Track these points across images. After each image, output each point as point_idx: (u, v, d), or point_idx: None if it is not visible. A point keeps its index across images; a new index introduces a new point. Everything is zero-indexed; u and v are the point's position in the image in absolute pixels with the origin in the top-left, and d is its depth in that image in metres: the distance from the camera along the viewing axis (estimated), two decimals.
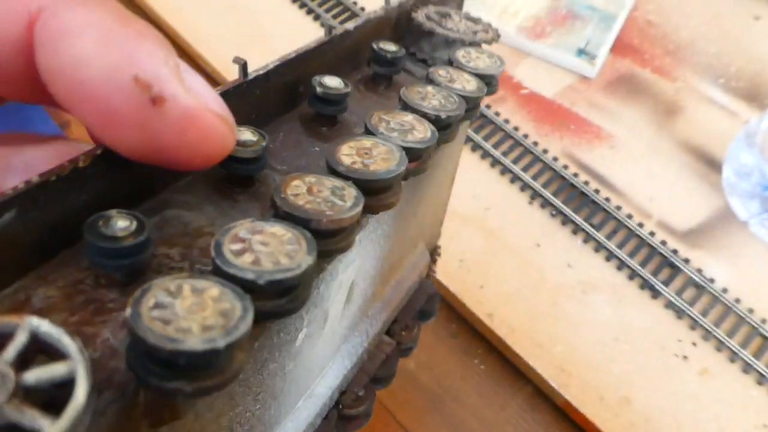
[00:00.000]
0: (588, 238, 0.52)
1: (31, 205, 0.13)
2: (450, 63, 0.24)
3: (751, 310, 0.49)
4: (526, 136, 0.57)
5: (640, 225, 0.53)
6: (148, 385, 0.12)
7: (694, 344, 0.48)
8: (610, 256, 0.51)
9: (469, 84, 0.23)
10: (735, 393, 0.46)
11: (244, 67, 0.18)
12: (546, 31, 0.63)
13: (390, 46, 0.24)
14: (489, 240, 0.52)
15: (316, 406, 0.23)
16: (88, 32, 0.13)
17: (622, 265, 0.51)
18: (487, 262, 0.51)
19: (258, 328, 0.14)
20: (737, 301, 0.50)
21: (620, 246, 0.52)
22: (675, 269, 0.51)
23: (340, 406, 0.25)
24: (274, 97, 0.20)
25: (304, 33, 0.63)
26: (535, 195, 0.54)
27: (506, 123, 0.57)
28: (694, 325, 0.49)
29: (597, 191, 0.54)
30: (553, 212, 0.53)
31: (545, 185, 0.54)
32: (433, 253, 0.31)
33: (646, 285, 0.50)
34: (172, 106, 0.13)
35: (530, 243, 0.52)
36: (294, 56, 0.20)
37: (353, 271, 0.21)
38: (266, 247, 0.14)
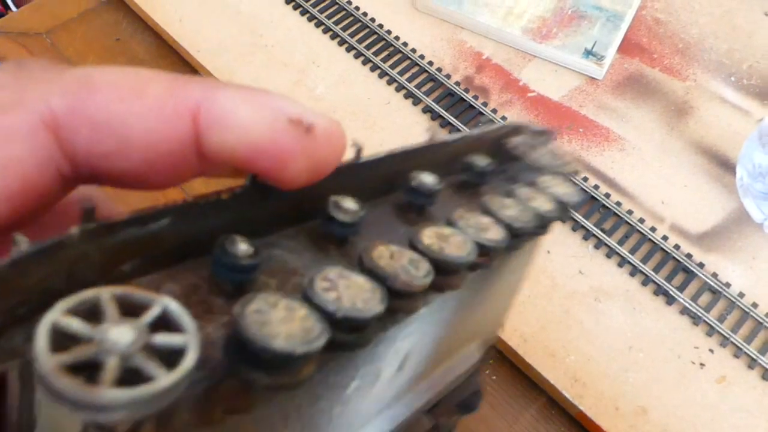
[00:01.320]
0: (599, 243, 0.51)
1: (181, 216, 0.17)
2: (533, 184, 0.26)
3: None
4: None
5: (653, 229, 0.51)
6: (235, 369, 0.15)
7: (711, 351, 0.47)
8: (622, 261, 0.50)
9: (545, 205, 0.25)
10: (754, 400, 0.45)
11: (359, 151, 0.21)
12: (552, 33, 0.62)
13: (482, 160, 0.26)
14: None
15: None
16: (242, 107, 0.16)
17: (635, 271, 0.50)
18: None
19: (325, 356, 0.16)
20: (754, 305, 0.48)
21: (632, 251, 0.50)
22: (689, 274, 0.50)
23: None
24: (375, 181, 0.23)
25: (306, 40, 0.62)
26: None
27: None
28: (711, 331, 0.47)
29: (608, 195, 0.53)
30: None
31: None
32: (488, 353, 0.35)
33: (660, 291, 0.49)
34: (318, 128, 0.17)
35: (540, 250, 0.51)
36: (400, 152, 0.23)
37: (410, 343, 0.24)
38: (348, 290, 0.17)
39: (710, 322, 0.48)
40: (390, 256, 0.19)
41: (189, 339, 0.14)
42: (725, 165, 0.56)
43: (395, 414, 0.28)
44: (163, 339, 0.14)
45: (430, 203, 0.24)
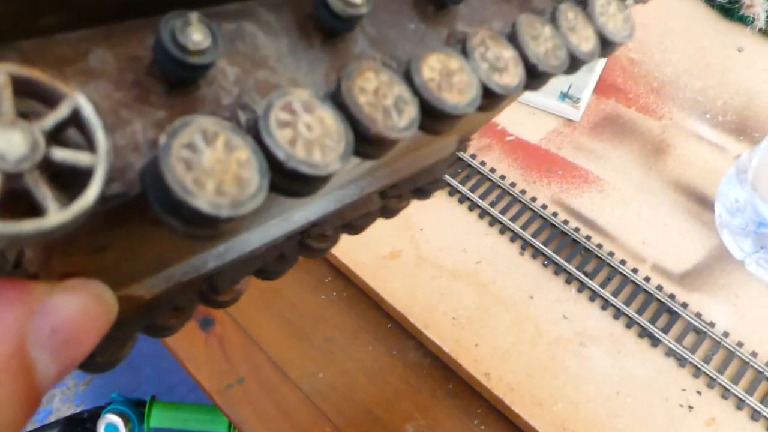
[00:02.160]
0: (582, 287, 0.51)
1: None
2: (585, 6, 0.22)
3: (754, 354, 0.48)
4: (513, 184, 0.56)
5: (635, 270, 0.52)
6: (149, 206, 0.12)
7: (699, 393, 0.47)
8: (606, 304, 0.50)
9: (585, 43, 0.21)
10: None
11: None
12: None
13: None
14: (481, 295, 0.51)
15: (287, 228, 0.24)
16: None
17: (618, 314, 0.50)
18: (481, 318, 0.50)
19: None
20: (739, 344, 0.48)
21: (615, 294, 0.50)
22: (673, 315, 0.50)
23: (306, 235, 0.25)
24: None
25: None
26: (525, 245, 0.53)
27: (492, 172, 0.57)
28: (698, 372, 0.47)
29: (588, 237, 0.53)
30: (546, 262, 0.52)
31: (535, 234, 0.53)
32: (464, 140, 0.31)
33: (644, 333, 0.49)
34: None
35: (524, 295, 0.51)
36: None
37: None
38: (309, 131, 0.14)
39: (696, 363, 0.47)
40: (375, 90, 0.16)
41: (97, 162, 0.12)
42: (704, 202, 0.56)
43: (345, 195, 0.25)
44: (64, 156, 0.11)
45: (457, 1, 0.20)
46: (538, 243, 0.53)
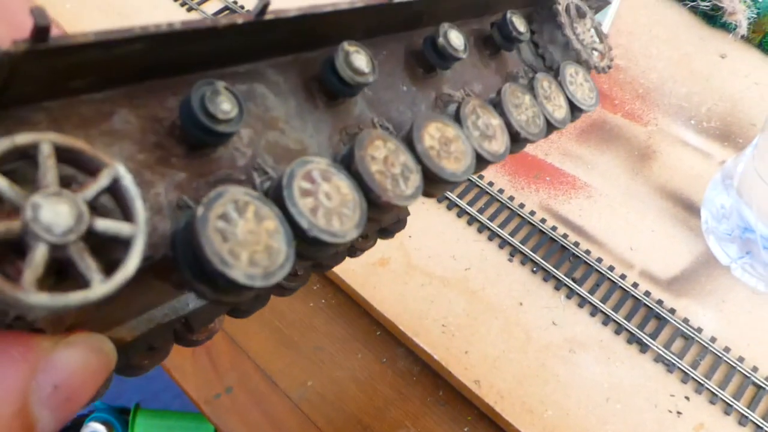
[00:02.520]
0: (571, 293, 0.51)
1: (161, 43, 0.14)
2: (556, 75, 0.25)
3: (741, 359, 0.48)
4: (501, 191, 0.56)
5: (623, 277, 0.52)
6: (181, 272, 0.13)
7: (687, 398, 0.47)
8: (594, 311, 0.50)
9: (559, 111, 0.24)
10: None
11: None
12: None
13: (520, 26, 0.24)
14: (471, 302, 0.51)
15: None
16: None
17: (607, 320, 0.50)
18: (471, 326, 0.49)
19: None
20: (726, 350, 0.49)
21: (604, 300, 0.51)
22: (661, 321, 0.50)
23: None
24: (399, 15, 0.20)
25: None
26: (514, 252, 0.53)
27: (480, 179, 0.57)
28: (686, 378, 0.48)
29: (577, 244, 0.53)
30: (534, 269, 0.52)
31: (524, 241, 0.54)
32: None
33: (633, 339, 0.49)
34: None
35: (513, 302, 0.51)
36: None
37: None
38: (328, 200, 0.15)
39: (684, 369, 0.48)
40: (384, 158, 0.17)
41: (137, 232, 0.12)
42: (690, 208, 0.56)
43: None
44: (106, 226, 0.12)
45: (445, 67, 0.22)
46: (526, 249, 0.53)
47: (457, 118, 0.20)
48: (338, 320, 0.53)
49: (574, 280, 0.52)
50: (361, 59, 0.18)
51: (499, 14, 0.25)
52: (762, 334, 0.49)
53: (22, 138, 0.11)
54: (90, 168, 0.12)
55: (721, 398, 0.46)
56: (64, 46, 0.12)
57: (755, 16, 0.68)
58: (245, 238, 0.13)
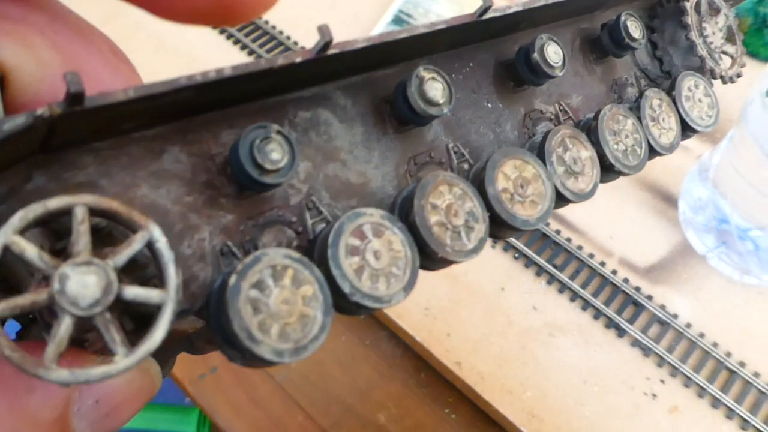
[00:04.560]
0: (552, 279, 0.52)
1: (209, 90, 0.13)
2: (670, 90, 0.21)
3: (715, 344, 0.49)
4: None
5: (602, 264, 0.53)
6: (212, 337, 0.13)
7: (663, 381, 0.48)
8: (574, 296, 0.51)
9: (666, 135, 0.21)
10: (706, 428, 0.46)
11: (485, 10, 0.17)
12: None
13: (635, 31, 0.21)
14: (454, 287, 0.52)
15: None
16: None
17: (586, 305, 0.51)
18: (453, 309, 0.50)
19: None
20: (701, 335, 0.50)
21: (584, 286, 0.52)
22: (639, 307, 0.51)
23: None
24: (490, 27, 0.18)
25: None
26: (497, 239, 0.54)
27: None
28: (661, 362, 0.49)
29: (558, 232, 0.55)
30: (516, 255, 0.53)
31: None
32: None
33: (611, 324, 0.50)
34: None
35: (495, 287, 0.52)
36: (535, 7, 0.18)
37: None
38: (376, 260, 0.14)
39: (660, 353, 0.49)
40: (447, 207, 0.15)
41: (166, 300, 0.12)
42: (669, 199, 0.58)
43: None
44: (135, 294, 0.11)
45: (538, 84, 0.19)
46: None
47: (541, 153, 0.18)
48: None
49: (555, 266, 0.53)
50: (436, 88, 0.16)
51: (614, 10, 0.22)
52: (736, 321, 0.51)
53: (56, 202, 0.11)
54: (127, 226, 0.12)
55: (696, 382, 0.48)
56: (102, 105, 0.12)
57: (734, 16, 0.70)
58: (278, 309, 0.12)
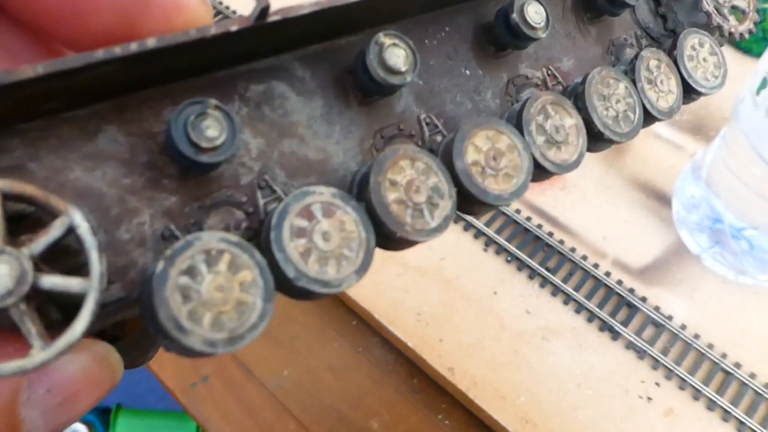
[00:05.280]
0: (544, 282, 0.52)
1: (136, 63, 0.12)
2: (672, 49, 0.20)
3: (710, 346, 0.49)
4: None
5: (596, 266, 0.53)
6: (146, 325, 0.12)
7: (658, 384, 0.48)
8: (567, 299, 0.51)
9: (664, 98, 0.19)
10: None
11: None
12: None
13: None
14: (446, 291, 0.51)
15: None
16: None
17: (580, 308, 0.51)
18: (445, 314, 0.50)
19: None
20: (696, 337, 0.49)
21: (577, 288, 0.51)
22: (633, 308, 0.51)
23: None
24: None
25: None
26: (489, 242, 0.54)
27: None
28: (656, 364, 0.48)
29: (551, 234, 0.54)
30: (509, 258, 0.53)
31: (499, 231, 0.54)
32: None
33: (605, 327, 0.50)
34: None
35: (487, 291, 0.51)
36: None
37: None
38: (325, 242, 0.13)
39: (655, 356, 0.48)
40: (408, 183, 0.14)
41: (88, 288, 0.11)
42: (662, 199, 0.57)
43: None
44: (53, 283, 0.11)
45: (520, 47, 0.18)
46: (501, 239, 0.53)
47: (519, 122, 0.17)
48: (314, 310, 0.53)
49: (547, 269, 0.52)
50: (398, 55, 0.15)
51: None
52: (731, 322, 0.50)
53: None
54: (46, 211, 0.11)
55: (691, 384, 0.47)
56: (8, 84, 0.11)
57: None
58: (211, 296, 0.12)
